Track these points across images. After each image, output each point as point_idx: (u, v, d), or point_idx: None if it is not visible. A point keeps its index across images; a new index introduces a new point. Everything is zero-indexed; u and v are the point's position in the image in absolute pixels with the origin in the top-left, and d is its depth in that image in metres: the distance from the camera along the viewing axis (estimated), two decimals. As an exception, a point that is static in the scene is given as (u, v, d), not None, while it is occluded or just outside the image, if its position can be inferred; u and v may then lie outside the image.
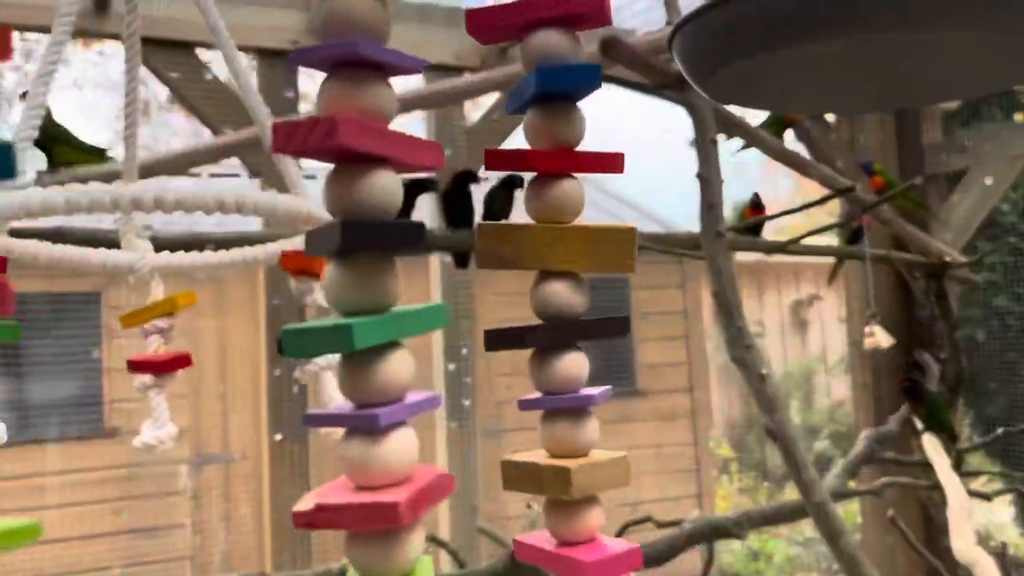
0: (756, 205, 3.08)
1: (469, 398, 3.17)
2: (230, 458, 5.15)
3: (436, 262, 3.23)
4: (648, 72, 1.84)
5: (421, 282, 3.59)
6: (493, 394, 5.97)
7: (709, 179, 1.87)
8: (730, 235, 2.95)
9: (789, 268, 11.02)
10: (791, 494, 8.67)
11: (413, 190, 2.76)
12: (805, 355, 11.46)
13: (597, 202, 7.82)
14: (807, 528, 7.93)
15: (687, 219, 3.48)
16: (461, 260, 2.97)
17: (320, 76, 0.52)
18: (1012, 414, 5.07)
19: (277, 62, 2.96)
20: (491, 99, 3.49)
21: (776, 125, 3.21)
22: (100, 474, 5.20)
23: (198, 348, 5.21)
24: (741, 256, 6.83)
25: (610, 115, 4.04)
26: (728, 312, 1.83)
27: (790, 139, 4.02)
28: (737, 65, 0.83)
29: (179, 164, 2.03)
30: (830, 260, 3.86)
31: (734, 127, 2.08)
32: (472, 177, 2.75)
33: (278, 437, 2.87)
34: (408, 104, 2.33)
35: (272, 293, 2.90)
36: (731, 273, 1.84)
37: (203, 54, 3.04)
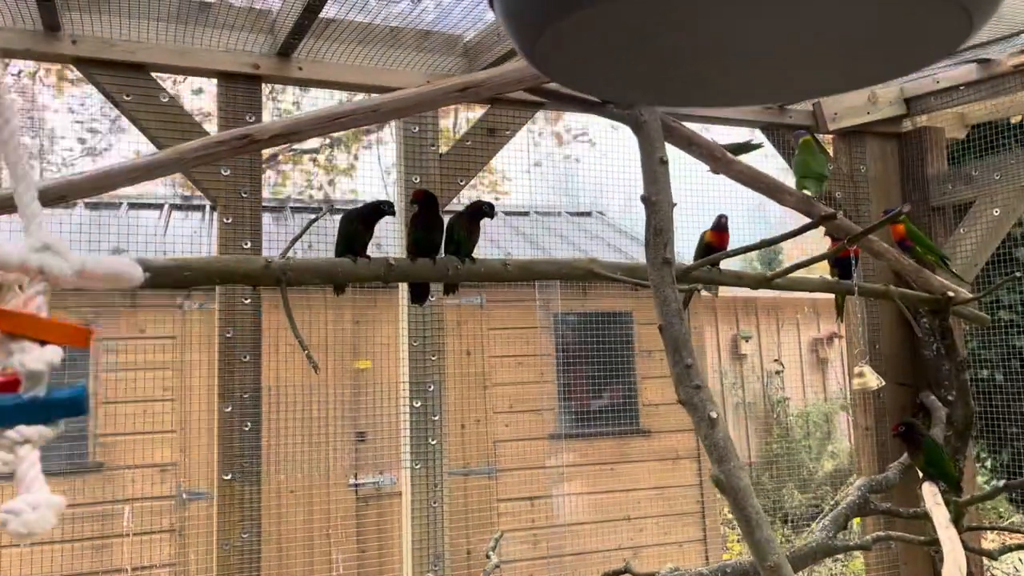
0: (719, 228, 2.87)
1: (436, 438, 3.00)
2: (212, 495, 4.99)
3: (406, 294, 3.08)
4: (590, 86, 1.69)
5: (390, 314, 3.45)
6: (489, 432, 5.78)
7: (657, 202, 1.71)
8: (707, 270, 2.77)
9: (807, 304, 10.75)
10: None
11: (371, 215, 2.62)
12: (826, 394, 11.13)
13: (605, 237, 7.66)
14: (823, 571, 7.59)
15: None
16: (418, 295, 2.82)
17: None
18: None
19: (238, 86, 2.86)
20: (476, 117, 3.37)
21: (810, 177, 2.88)
22: (81, 510, 5.06)
23: (188, 380, 5.09)
24: (759, 291, 6.60)
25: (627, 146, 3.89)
26: (675, 347, 1.66)
27: (774, 167, 3.85)
28: (571, 22, 0.66)
29: (112, 181, 1.91)
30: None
31: (693, 145, 1.92)
32: (432, 201, 2.61)
33: (227, 477, 2.71)
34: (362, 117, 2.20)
35: (225, 326, 2.76)
36: (679, 304, 1.67)
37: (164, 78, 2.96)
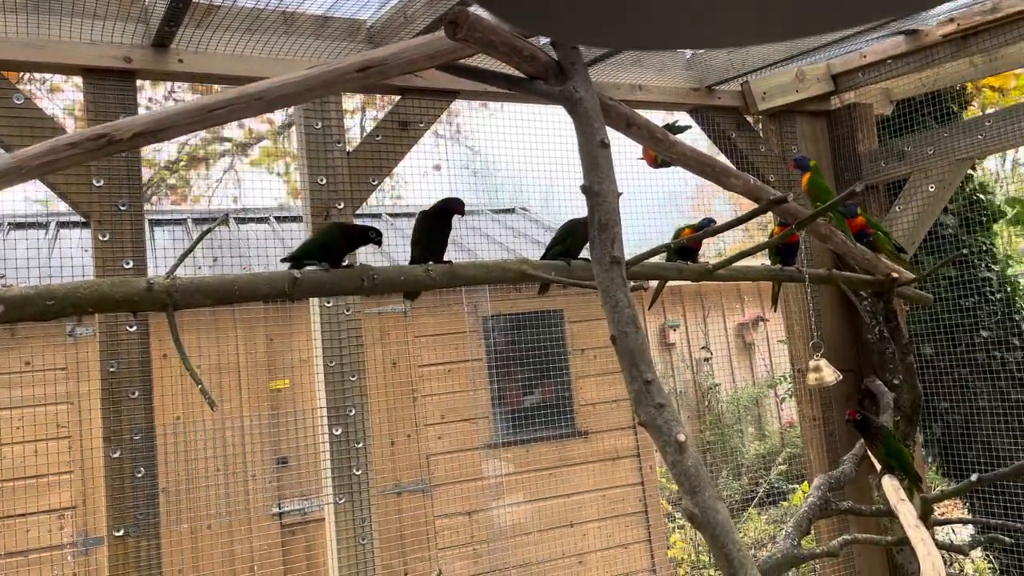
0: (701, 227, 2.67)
1: (361, 467, 2.69)
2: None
3: (317, 309, 2.76)
4: (514, 58, 1.43)
5: (306, 328, 3.12)
6: (421, 446, 5.48)
7: (600, 192, 1.45)
8: (653, 258, 2.55)
9: (732, 289, 10.79)
10: (754, 526, 8.29)
11: (357, 240, 2.32)
12: (753, 378, 11.21)
13: (530, 233, 7.44)
14: None
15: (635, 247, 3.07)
16: (410, 292, 2.56)
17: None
18: (967, 434, 4.77)
19: (108, 82, 2.50)
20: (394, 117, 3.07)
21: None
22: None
23: (83, 415, 4.63)
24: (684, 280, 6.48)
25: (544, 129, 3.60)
26: (632, 361, 1.41)
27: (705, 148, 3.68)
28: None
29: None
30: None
31: (632, 127, 1.68)
32: (458, 208, 2.35)
33: (119, 533, 2.35)
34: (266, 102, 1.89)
35: (108, 358, 2.40)
36: (633, 310, 1.42)
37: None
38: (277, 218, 7.03)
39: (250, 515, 4.80)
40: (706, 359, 10.80)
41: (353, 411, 2.70)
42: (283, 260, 2.17)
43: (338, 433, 2.67)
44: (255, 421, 4.77)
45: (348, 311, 2.74)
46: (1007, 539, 3.25)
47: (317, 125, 2.76)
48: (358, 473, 2.68)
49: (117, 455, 2.37)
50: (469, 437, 5.54)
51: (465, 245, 6.59)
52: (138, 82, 2.58)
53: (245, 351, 4.93)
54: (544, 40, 1.86)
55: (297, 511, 4.95)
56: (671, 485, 9.00)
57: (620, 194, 1.52)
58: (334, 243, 2.20)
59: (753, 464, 9.80)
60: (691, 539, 7.92)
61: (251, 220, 6.99)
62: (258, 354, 4.96)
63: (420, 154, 3.65)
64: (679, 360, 10.66)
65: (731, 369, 11.18)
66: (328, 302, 2.72)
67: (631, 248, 2.37)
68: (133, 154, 2.48)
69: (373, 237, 2.28)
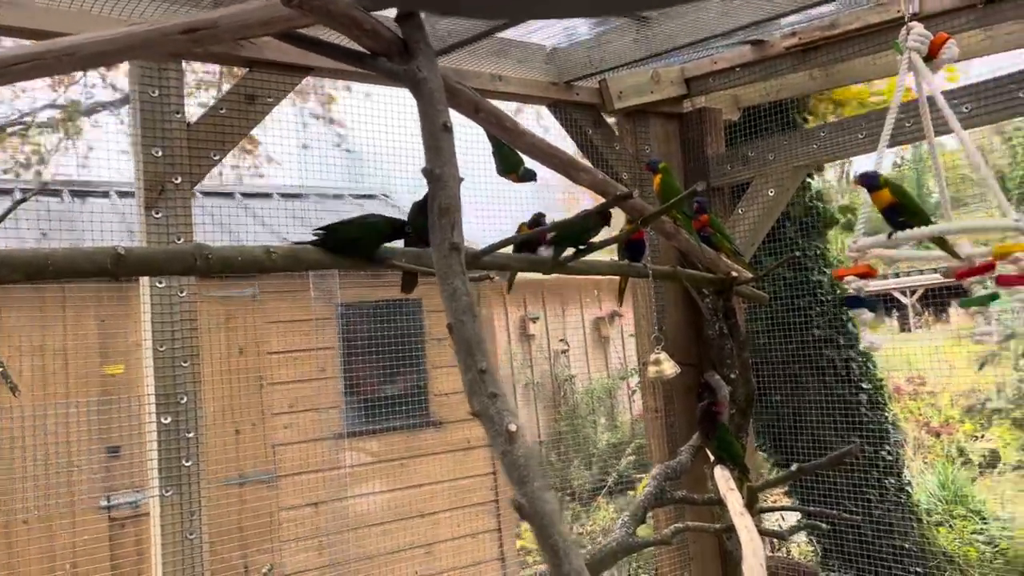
0: (536, 223, 2.69)
1: (191, 458, 2.54)
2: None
3: (147, 289, 2.58)
4: (355, 31, 1.36)
5: (130, 311, 2.92)
6: (267, 435, 5.29)
7: (442, 176, 1.41)
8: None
9: (591, 284, 11.06)
10: (603, 515, 8.52)
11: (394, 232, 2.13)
12: (608, 370, 11.54)
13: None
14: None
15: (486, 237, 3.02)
16: (407, 283, 2.38)
17: None
18: (796, 426, 5.08)
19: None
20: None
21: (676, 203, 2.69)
22: None
23: None
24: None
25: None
26: (467, 350, 1.38)
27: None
28: None
29: None
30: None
31: (480, 112, 1.65)
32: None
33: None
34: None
35: None
36: (471, 298, 1.39)
37: None
38: (120, 193, 6.59)
39: (73, 509, 4.47)
40: (564, 351, 11.02)
41: (184, 399, 2.54)
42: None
43: (167, 422, 2.51)
44: (82, 408, 4.44)
45: (182, 293, 2.58)
46: (824, 525, 3.48)
47: (154, 93, 2.57)
48: (188, 464, 2.53)
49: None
50: (318, 426, 5.40)
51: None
52: None
53: (74, 332, 4.58)
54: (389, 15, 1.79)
55: (128, 504, 4.65)
56: (524, 474, 9.09)
57: (462, 180, 1.48)
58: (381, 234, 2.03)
59: (604, 453, 10.09)
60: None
61: (91, 194, 6.50)
62: (88, 336, 4.62)
63: (284, 132, 3.52)
64: (538, 351, 10.82)
65: (587, 361, 11.45)
66: (160, 282, 2.55)
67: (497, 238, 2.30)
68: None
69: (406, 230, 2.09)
